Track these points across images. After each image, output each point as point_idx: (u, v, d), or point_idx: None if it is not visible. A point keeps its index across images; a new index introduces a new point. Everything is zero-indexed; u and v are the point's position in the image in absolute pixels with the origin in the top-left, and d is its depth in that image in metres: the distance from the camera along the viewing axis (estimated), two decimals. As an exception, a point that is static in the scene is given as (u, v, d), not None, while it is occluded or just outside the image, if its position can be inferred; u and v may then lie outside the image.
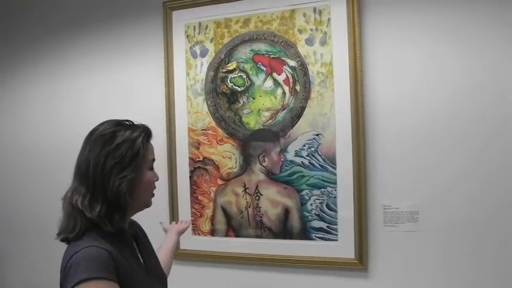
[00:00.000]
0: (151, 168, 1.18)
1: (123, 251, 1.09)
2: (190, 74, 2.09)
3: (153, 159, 1.19)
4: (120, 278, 1.01)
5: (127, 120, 1.18)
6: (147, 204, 1.19)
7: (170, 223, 2.09)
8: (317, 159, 1.88)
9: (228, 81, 2.03)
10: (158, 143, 2.06)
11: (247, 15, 1.99)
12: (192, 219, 2.10)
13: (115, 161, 1.08)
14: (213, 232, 2.07)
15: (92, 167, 1.08)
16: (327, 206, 1.87)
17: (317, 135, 1.88)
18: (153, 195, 1.21)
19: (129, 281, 1.03)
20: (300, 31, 1.91)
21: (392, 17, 1.81)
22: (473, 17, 1.71)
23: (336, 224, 1.86)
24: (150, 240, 1.36)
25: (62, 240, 1.09)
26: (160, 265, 1.32)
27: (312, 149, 1.89)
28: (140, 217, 1.26)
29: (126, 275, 1.03)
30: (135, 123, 1.18)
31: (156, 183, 1.21)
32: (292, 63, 1.92)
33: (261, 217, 1.98)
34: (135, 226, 1.32)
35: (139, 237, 1.28)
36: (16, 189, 2.54)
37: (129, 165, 1.09)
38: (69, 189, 1.14)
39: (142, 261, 1.21)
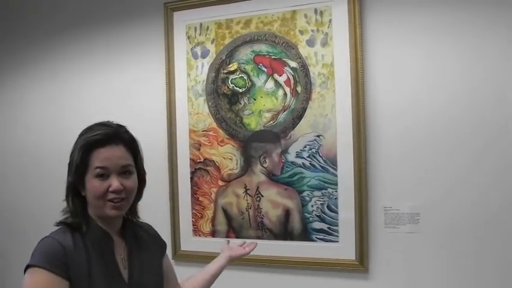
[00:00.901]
0: (98, 176, 1.09)
1: (92, 251, 1.09)
2: (191, 75, 2.09)
3: (101, 167, 1.09)
4: (72, 275, 1.02)
5: (106, 123, 1.16)
6: (102, 213, 1.11)
7: (170, 225, 2.11)
8: (318, 160, 1.88)
9: (229, 82, 2.03)
10: (159, 144, 2.11)
11: (248, 16, 1.99)
12: (192, 221, 2.09)
13: (68, 166, 1.16)
14: (213, 233, 2.07)
15: None
16: (328, 207, 1.87)
17: (318, 136, 1.88)
18: (113, 205, 1.10)
19: (83, 281, 1.04)
20: (301, 32, 1.91)
21: (393, 18, 1.81)
22: (474, 18, 1.71)
23: (337, 226, 1.86)
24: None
25: None
26: (154, 280, 1.24)
27: (313, 150, 1.89)
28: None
29: (80, 274, 1.04)
30: (103, 125, 1.14)
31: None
32: (293, 64, 1.92)
33: (262, 218, 1.98)
34: (141, 232, 1.27)
35: (136, 244, 1.22)
36: (16, 189, 2.54)
37: (70, 172, 1.14)
38: None
39: (126, 269, 1.16)
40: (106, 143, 1.10)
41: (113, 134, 1.11)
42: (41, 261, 1.01)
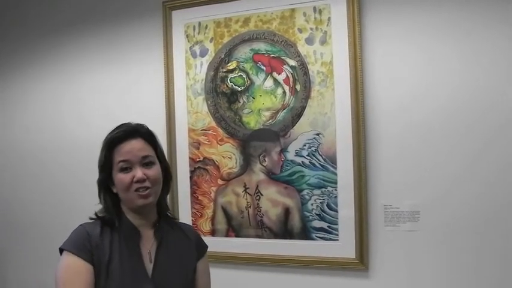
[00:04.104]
0: (123, 170, 1.17)
1: (118, 242, 1.18)
2: (190, 73, 2.09)
3: (123, 160, 1.17)
4: (95, 261, 1.13)
5: (125, 123, 1.24)
6: (132, 204, 1.19)
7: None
8: (317, 158, 1.88)
9: (228, 80, 2.02)
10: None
11: (247, 14, 1.99)
12: (192, 220, 2.09)
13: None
14: (213, 232, 2.07)
15: None
16: (328, 205, 1.87)
17: (317, 134, 1.88)
18: (139, 195, 1.17)
19: (103, 269, 1.13)
20: (300, 30, 1.90)
21: (393, 16, 1.80)
22: (473, 15, 1.70)
23: (337, 224, 1.86)
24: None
25: None
26: (181, 280, 1.26)
27: (313, 148, 1.88)
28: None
29: (101, 261, 1.14)
30: (124, 124, 1.23)
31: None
32: (292, 62, 1.92)
33: (262, 217, 1.98)
34: (178, 231, 1.31)
35: (168, 242, 1.26)
36: (15, 188, 2.54)
37: (100, 170, 1.22)
38: None
39: (152, 263, 1.20)
40: (125, 138, 1.19)
41: (131, 130, 1.21)
42: (68, 245, 1.14)
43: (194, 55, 2.08)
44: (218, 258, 2.03)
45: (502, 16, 1.67)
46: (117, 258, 1.15)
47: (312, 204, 1.89)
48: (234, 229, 2.03)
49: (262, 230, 1.98)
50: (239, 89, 2.00)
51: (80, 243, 1.13)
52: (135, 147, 1.19)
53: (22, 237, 2.52)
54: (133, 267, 1.17)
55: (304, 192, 1.90)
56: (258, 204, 1.98)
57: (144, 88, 2.21)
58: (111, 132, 1.22)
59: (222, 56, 2.03)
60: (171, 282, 1.23)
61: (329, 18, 1.86)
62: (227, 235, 2.04)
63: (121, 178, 1.17)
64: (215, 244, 2.03)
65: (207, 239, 2.05)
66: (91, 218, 1.22)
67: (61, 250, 1.15)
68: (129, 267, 1.16)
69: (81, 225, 1.20)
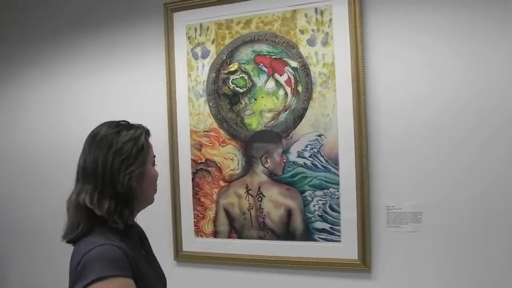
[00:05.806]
0: (154, 164, 1.22)
1: (132, 249, 1.12)
2: (192, 75, 2.09)
3: (154, 156, 1.23)
4: (135, 274, 1.05)
5: (123, 121, 1.22)
6: (150, 201, 1.23)
7: (172, 226, 2.10)
8: (319, 160, 1.87)
9: (230, 82, 2.02)
10: (160, 145, 2.10)
11: (248, 16, 1.99)
12: (194, 221, 2.09)
13: (122, 158, 1.12)
14: (215, 234, 2.07)
15: (101, 165, 1.11)
16: (330, 207, 1.86)
17: (319, 136, 1.88)
18: (156, 191, 1.25)
19: (141, 279, 1.07)
20: (302, 32, 1.90)
21: (394, 17, 1.80)
22: (475, 15, 1.70)
23: (339, 225, 1.85)
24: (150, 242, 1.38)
25: (68, 241, 1.12)
26: (161, 268, 1.33)
27: (315, 150, 1.88)
28: (141, 217, 1.26)
29: (138, 273, 1.07)
30: (132, 123, 1.23)
31: (158, 183, 1.25)
32: (294, 64, 1.92)
33: (264, 218, 1.98)
34: (138, 228, 1.34)
35: (144, 238, 1.32)
36: (17, 190, 2.54)
37: (135, 161, 1.13)
38: (73, 191, 1.15)
39: (147, 261, 1.24)
40: (150, 134, 1.24)
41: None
42: (112, 270, 0.99)
43: (196, 57, 2.08)
44: (220, 259, 2.03)
45: (503, 17, 1.67)
46: (144, 267, 1.14)
47: (314, 206, 1.89)
48: (236, 230, 2.03)
49: (265, 231, 1.98)
50: (241, 90, 2.00)
51: (121, 262, 1.01)
52: None
53: (23, 239, 2.52)
54: (148, 267, 1.19)
55: (307, 193, 1.90)
56: (260, 205, 1.98)
57: (146, 90, 2.21)
58: (129, 127, 1.19)
59: (224, 58, 2.03)
60: (163, 276, 1.29)
61: (330, 20, 1.86)
62: (229, 236, 2.04)
63: (154, 172, 1.21)
64: (217, 246, 2.05)
65: (210, 241, 2.07)
66: (100, 228, 1.09)
67: (94, 281, 0.96)
68: (146, 268, 1.16)
69: (102, 244, 1.03)
